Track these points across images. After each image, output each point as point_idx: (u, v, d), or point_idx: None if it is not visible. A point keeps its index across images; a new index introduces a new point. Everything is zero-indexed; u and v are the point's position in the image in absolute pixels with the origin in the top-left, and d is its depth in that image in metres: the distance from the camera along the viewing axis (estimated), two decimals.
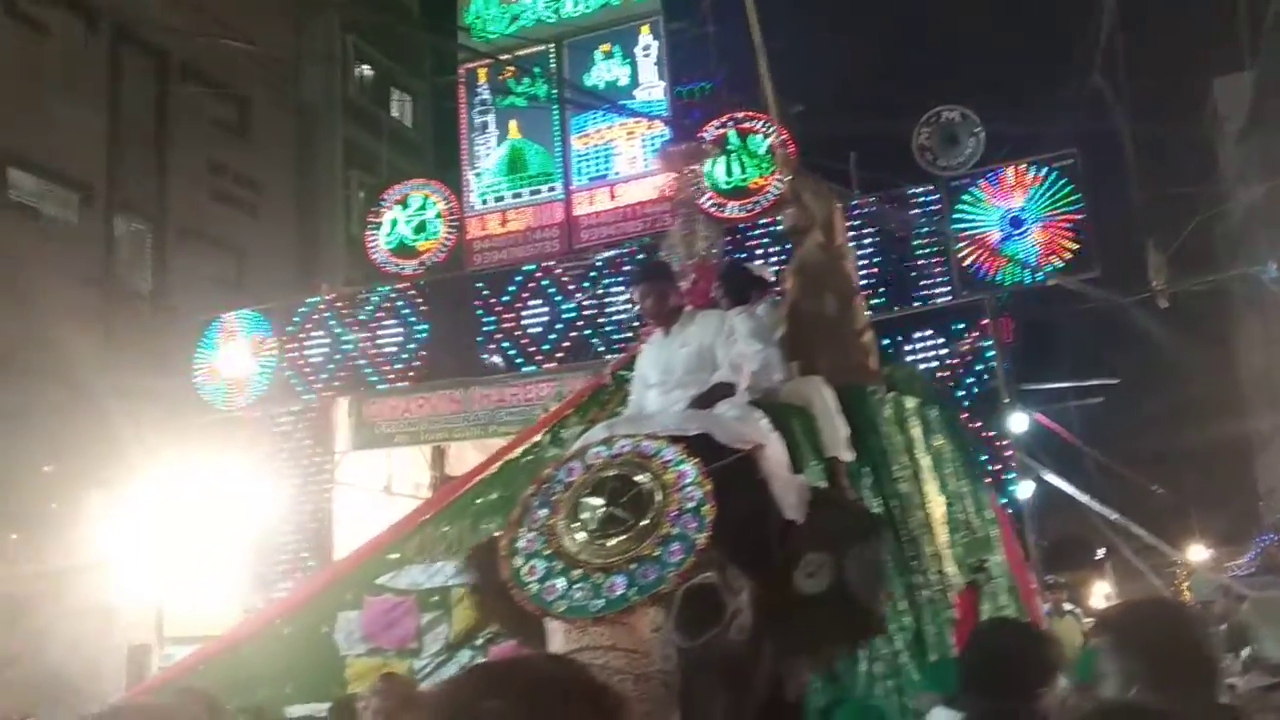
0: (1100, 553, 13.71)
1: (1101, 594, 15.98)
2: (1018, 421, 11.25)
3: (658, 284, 5.11)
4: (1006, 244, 11.27)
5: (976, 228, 11.35)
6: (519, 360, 12.74)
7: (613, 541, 3.26)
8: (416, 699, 4.64)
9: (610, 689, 1.44)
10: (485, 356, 12.95)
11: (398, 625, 5.91)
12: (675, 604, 3.17)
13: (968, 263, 11.27)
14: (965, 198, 11.46)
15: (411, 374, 13.23)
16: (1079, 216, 11.20)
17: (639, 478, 3.42)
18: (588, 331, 12.43)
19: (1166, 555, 13.15)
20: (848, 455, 5.03)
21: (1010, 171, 11.47)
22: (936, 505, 5.57)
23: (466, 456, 13.17)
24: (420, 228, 14.09)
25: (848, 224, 7.16)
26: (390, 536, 6.49)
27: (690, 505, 3.24)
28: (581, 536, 3.35)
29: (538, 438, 6.30)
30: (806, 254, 5.98)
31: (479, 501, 6.10)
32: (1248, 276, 12.91)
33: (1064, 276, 11.24)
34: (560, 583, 3.28)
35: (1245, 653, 7.39)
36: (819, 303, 5.79)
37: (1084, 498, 10.96)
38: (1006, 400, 10.89)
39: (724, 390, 4.56)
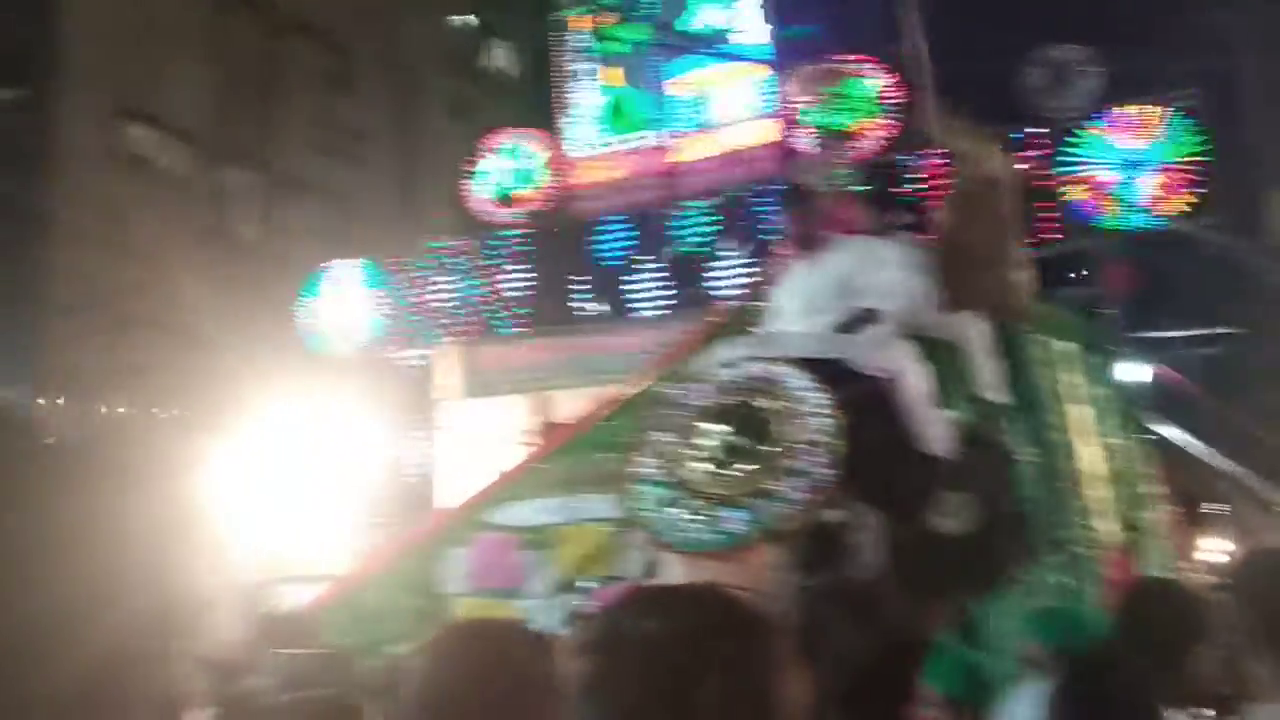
0: (1220, 507, 13.27)
1: (1221, 551, 15.49)
2: (1138, 370, 10.89)
3: (803, 209, 4.76)
4: (1122, 187, 10.87)
5: (1091, 169, 10.96)
6: (622, 308, 12.73)
7: (734, 472, 3.17)
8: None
9: (764, 614, 1.39)
10: (589, 305, 12.96)
11: (502, 564, 5.74)
12: (795, 542, 3.09)
13: (1080, 206, 10.89)
14: (1081, 138, 11.06)
15: (517, 323, 13.30)
16: (1201, 159, 10.75)
17: (764, 404, 3.31)
18: (689, 280, 12.34)
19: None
20: (1001, 397, 4.68)
21: (1127, 112, 11.03)
22: (1090, 457, 5.16)
23: (570, 405, 13.19)
24: (523, 177, 14.11)
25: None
26: (509, 476, 6.36)
27: (819, 437, 3.14)
28: (702, 464, 3.26)
29: (657, 373, 5.93)
30: (965, 186, 5.60)
31: (594, 437, 5.85)
32: None
33: (1184, 222, 10.82)
34: (677, 513, 3.21)
35: None
36: (974, 236, 5.41)
37: (1204, 450, 10.61)
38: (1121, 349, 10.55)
39: (869, 317, 4.24)
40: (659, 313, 12.51)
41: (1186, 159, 10.72)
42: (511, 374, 13.53)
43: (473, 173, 14.29)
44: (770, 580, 3.09)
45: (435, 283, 13.69)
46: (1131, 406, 6.20)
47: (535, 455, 6.48)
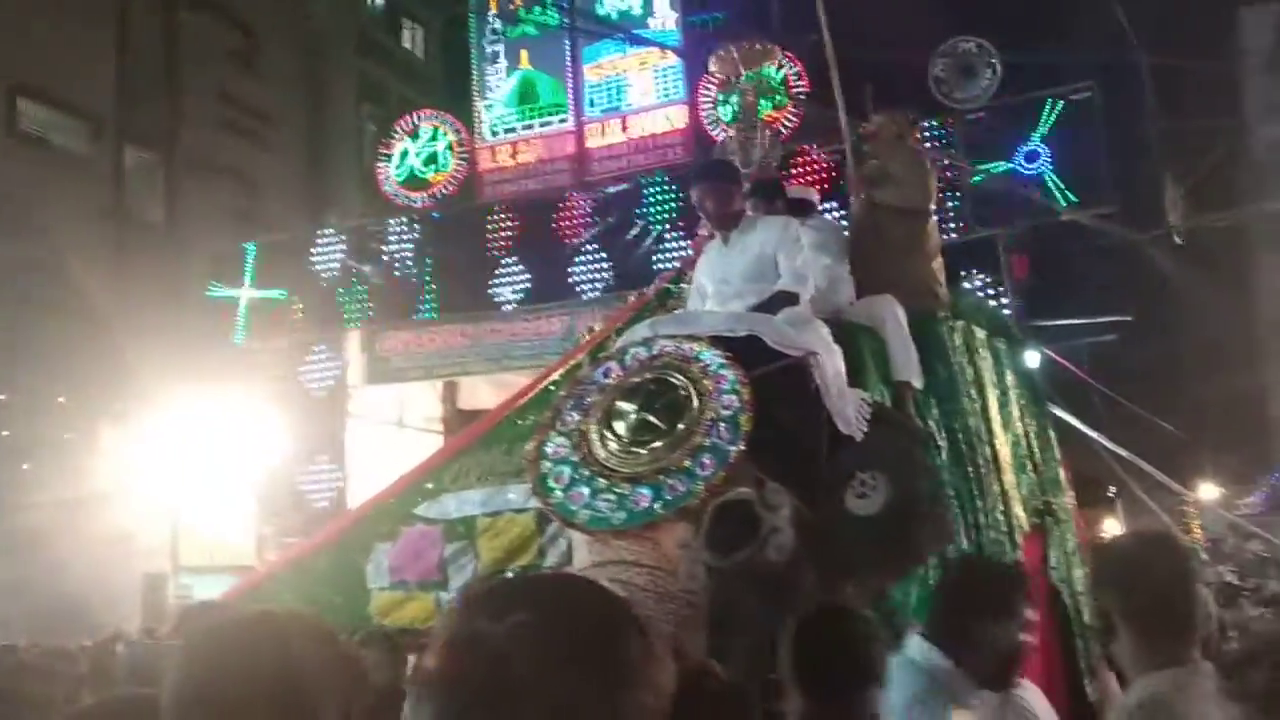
0: (1111, 490, 13.69)
1: (1112, 532, 16.00)
2: (1029, 358, 11.15)
3: (721, 184, 4.63)
4: (1020, 178, 11.13)
5: (990, 161, 11.21)
6: (530, 295, 12.69)
7: (644, 450, 3.15)
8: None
9: (626, 609, 1.30)
10: (496, 291, 12.90)
11: (423, 557, 5.71)
12: (705, 520, 3.06)
13: (978, 196, 11.14)
14: (979, 131, 11.30)
15: (423, 308, 13.19)
16: (1095, 151, 11.05)
17: (676, 381, 3.29)
18: (602, 266, 12.35)
19: (1177, 494, 13.14)
20: (918, 381, 4.67)
21: (1026, 104, 11.29)
22: (1003, 442, 5.18)
23: (478, 391, 13.18)
24: (431, 159, 13.98)
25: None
26: (429, 465, 6.33)
27: (727, 413, 3.13)
28: (613, 443, 3.24)
29: (578, 360, 5.87)
30: (877, 170, 5.59)
31: (517, 425, 5.80)
32: (1267, 214, 12.77)
33: (1079, 212, 11.11)
34: (585, 491, 3.18)
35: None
36: (889, 221, 5.42)
37: (1095, 435, 10.92)
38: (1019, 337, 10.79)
39: (786, 299, 4.18)
40: (571, 297, 12.49)
41: (1080, 150, 10.99)
42: (419, 359, 13.43)
43: (382, 155, 14.11)
44: (681, 558, 3.07)
45: (342, 266, 13.51)
46: (1039, 392, 6.29)
47: (456, 445, 6.41)
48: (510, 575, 4.43)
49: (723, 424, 3.16)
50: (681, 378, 3.31)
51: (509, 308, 12.82)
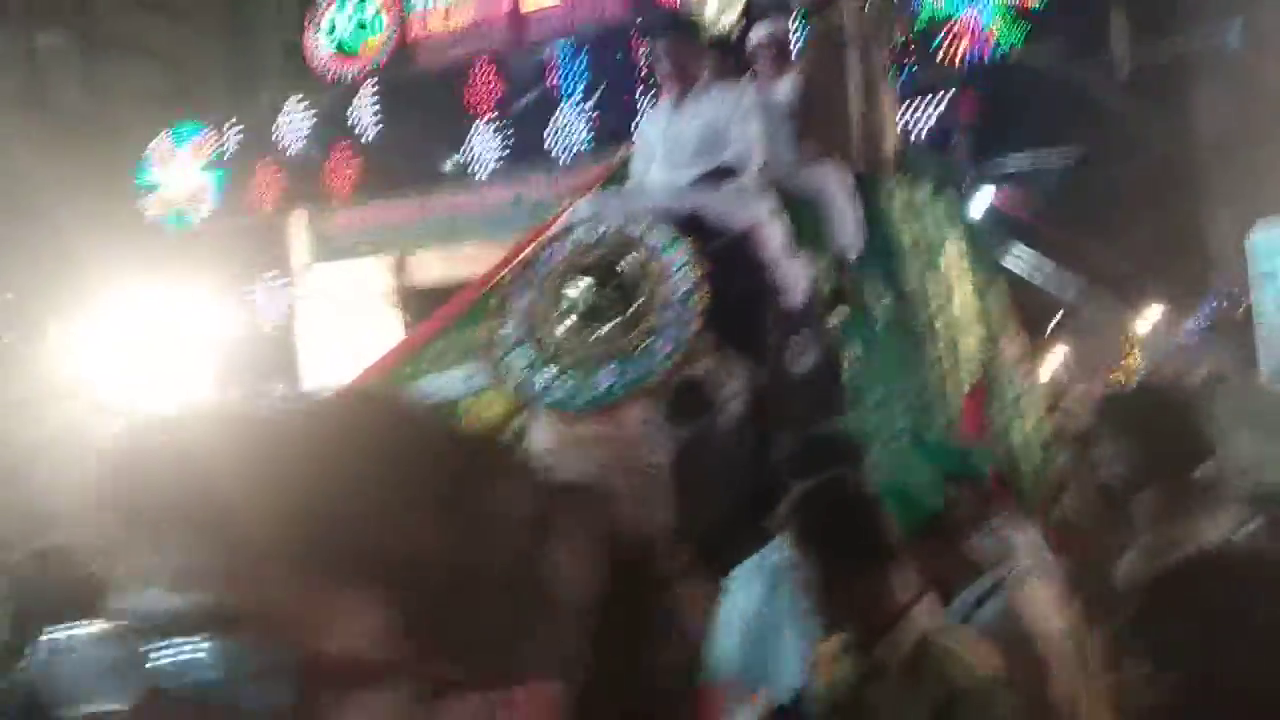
0: (1055, 322, 13.97)
1: (1058, 360, 16.35)
2: (982, 197, 11.21)
3: (682, 43, 4.52)
4: (961, 15, 11.01)
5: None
6: (474, 164, 12.48)
7: (598, 331, 3.19)
8: None
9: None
10: (441, 161, 12.66)
11: None
12: (667, 395, 3.14)
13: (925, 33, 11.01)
14: None
15: (367, 183, 12.94)
16: None
17: (625, 262, 3.31)
18: (544, 131, 12.14)
19: (1121, 321, 13.39)
20: (855, 252, 4.71)
21: None
22: (947, 302, 5.22)
23: (427, 265, 13.09)
24: (361, 27, 13.53)
25: None
26: (405, 349, 6.14)
27: (680, 293, 3.17)
28: (565, 325, 3.27)
29: (551, 233, 5.79)
30: (829, 27, 5.43)
31: (492, 303, 5.69)
32: (1210, 44, 12.71)
33: (1025, 48, 11.02)
34: (545, 374, 3.23)
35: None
36: (834, 81, 5.30)
37: (1049, 276, 11.07)
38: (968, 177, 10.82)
39: (731, 172, 4.19)
40: (519, 165, 12.30)
41: None
42: (366, 235, 13.24)
43: (310, 24, 13.62)
44: (643, 435, 3.14)
45: (279, 143, 13.17)
46: (984, 243, 6.30)
47: (432, 327, 6.28)
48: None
49: (677, 303, 3.19)
50: (630, 259, 3.32)
51: (453, 179, 12.62)
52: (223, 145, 13.32)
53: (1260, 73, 12.41)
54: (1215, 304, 19.24)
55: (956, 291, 5.37)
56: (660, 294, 3.22)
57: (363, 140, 12.94)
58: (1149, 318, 18.51)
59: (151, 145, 13.50)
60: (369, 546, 0.77)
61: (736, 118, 4.35)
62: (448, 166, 12.72)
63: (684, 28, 4.86)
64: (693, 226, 3.39)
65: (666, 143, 4.47)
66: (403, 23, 13.48)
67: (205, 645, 0.67)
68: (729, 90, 4.56)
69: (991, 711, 1.90)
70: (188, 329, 12.71)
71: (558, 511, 0.89)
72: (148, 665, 0.70)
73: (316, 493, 0.78)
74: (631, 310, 3.23)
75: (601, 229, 3.42)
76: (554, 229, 3.69)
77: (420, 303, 13.47)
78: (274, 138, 13.20)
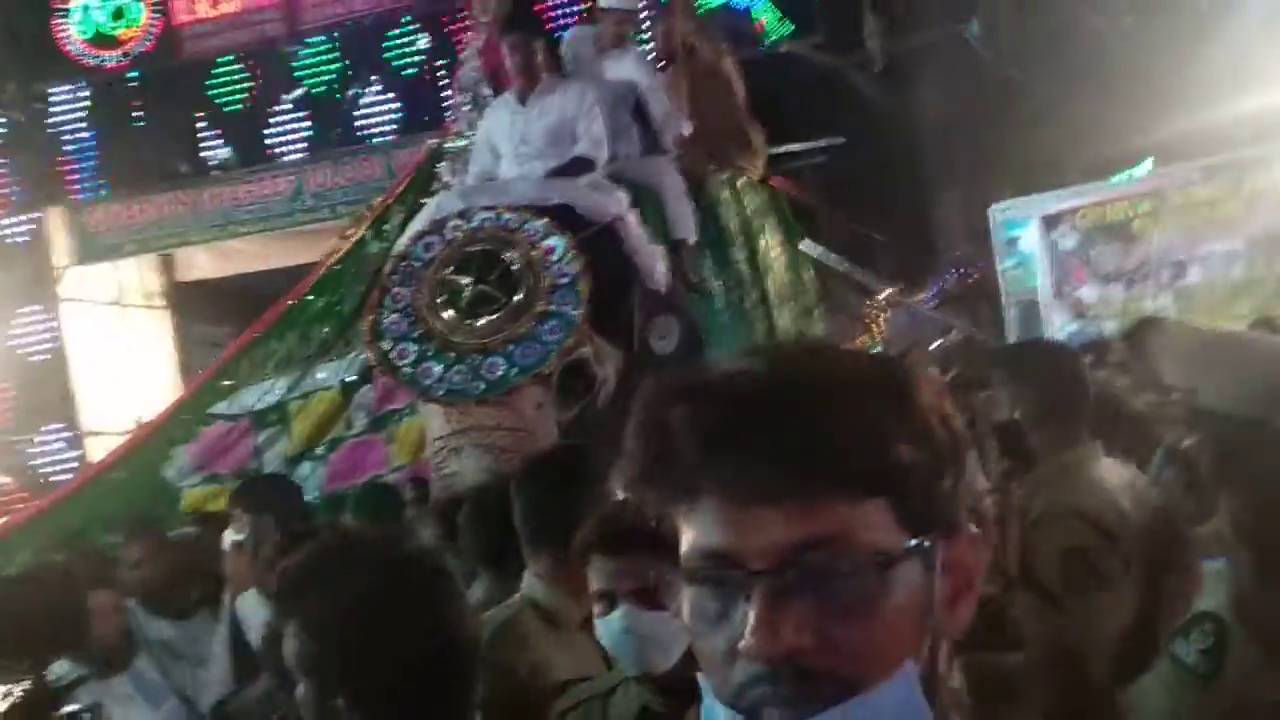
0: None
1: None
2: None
3: (532, 39, 4.60)
4: (733, 10, 11.45)
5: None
6: (250, 154, 12.09)
7: (484, 321, 3.31)
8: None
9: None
10: (211, 153, 12.20)
11: (233, 450, 5.64)
12: (554, 380, 3.30)
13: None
14: None
15: (130, 178, 12.32)
16: None
17: (506, 254, 3.43)
18: (324, 120, 11.90)
19: (873, 295, 14.33)
20: (693, 237, 4.96)
21: None
22: (769, 280, 5.70)
23: (197, 261, 12.65)
24: (118, 14, 12.81)
25: None
26: (221, 364, 6.24)
27: (564, 281, 3.33)
28: (450, 315, 3.36)
29: (361, 234, 5.89)
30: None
31: (305, 311, 5.80)
32: (954, 36, 13.70)
33: (793, 43, 11.57)
34: (436, 366, 3.32)
35: None
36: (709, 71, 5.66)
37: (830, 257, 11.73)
38: None
39: (584, 166, 4.33)
40: (293, 156, 12.00)
41: None
42: (133, 233, 12.61)
43: (59, 9, 12.79)
44: (537, 418, 3.29)
45: (32, 138, 12.34)
46: (794, 227, 6.83)
47: (245, 340, 6.28)
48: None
49: (562, 290, 3.34)
50: (510, 249, 3.45)
51: (225, 171, 12.19)
52: None
53: (994, 63, 13.37)
54: (948, 276, 20.75)
55: (776, 270, 5.89)
56: (544, 282, 3.37)
57: (122, 132, 12.31)
58: (891, 290, 19.79)
59: None
60: None
61: (584, 113, 4.47)
62: (220, 158, 12.27)
63: (532, 23, 4.98)
64: (563, 217, 3.55)
65: (513, 139, 4.54)
66: (166, 9, 12.86)
67: None
68: (573, 84, 4.69)
69: None
70: None
71: None
72: None
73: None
74: (517, 299, 3.36)
75: (476, 221, 3.52)
76: (420, 223, 3.76)
77: (191, 300, 12.97)
78: (17, 132, 12.37)
